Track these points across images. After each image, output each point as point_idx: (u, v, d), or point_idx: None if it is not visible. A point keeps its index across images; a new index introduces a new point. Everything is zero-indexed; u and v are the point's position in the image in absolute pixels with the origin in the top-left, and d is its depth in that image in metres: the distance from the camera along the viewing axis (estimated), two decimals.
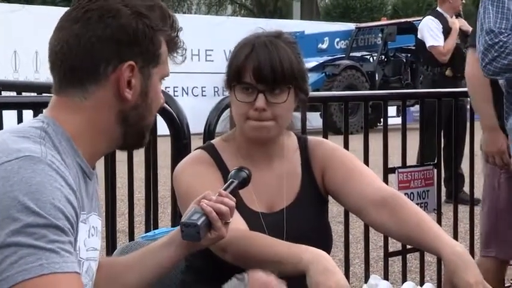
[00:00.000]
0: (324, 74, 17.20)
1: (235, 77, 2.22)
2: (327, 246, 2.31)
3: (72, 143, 1.66)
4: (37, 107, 3.29)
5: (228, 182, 2.01)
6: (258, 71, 2.17)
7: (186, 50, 1.83)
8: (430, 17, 8.37)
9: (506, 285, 4.47)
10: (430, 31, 8.17)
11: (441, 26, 8.12)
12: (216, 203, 1.87)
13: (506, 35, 3.07)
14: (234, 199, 1.93)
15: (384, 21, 20.09)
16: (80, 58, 1.67)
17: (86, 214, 1.69)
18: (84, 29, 1.67)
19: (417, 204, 4.21)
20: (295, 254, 1.97)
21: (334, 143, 2.44)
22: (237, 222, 2.08)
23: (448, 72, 8.04)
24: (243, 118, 2.22)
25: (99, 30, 1.66)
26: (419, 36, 8.57)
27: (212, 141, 2.37)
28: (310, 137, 2.42)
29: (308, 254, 1.95)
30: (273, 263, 1.99)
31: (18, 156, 1.54)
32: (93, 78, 1.68)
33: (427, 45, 8.18)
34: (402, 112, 4.53)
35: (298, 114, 2.46)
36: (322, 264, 1.91)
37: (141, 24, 1.69)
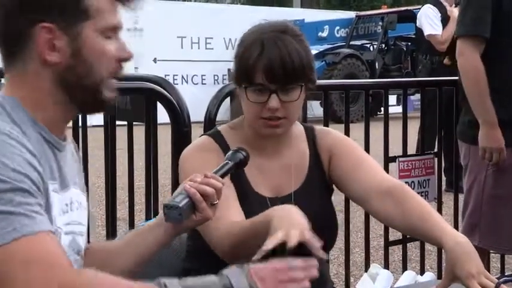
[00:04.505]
0: (324, 62, 17.16)
1: (246, 78, 2.19)
2: (333, 231, 2.33)
3: (27, 114, 1.67)
4: None
5: (223, 163, 2.00)
6: (269, 71, 2.15)
7: None
8: (428, 5, 8.36)
9: (506, 274, 4.47)
10: (428, 19, 8.15)
11: (440, 15, 8.10)
12: (201, 184, 1.86)
13: None
14: (223, 180, 1.91)
15: (384, 10, 20.02)
16: (1, 34, 1.68)
17: (56, 184, 1.69)
18: None
19: (418, 193, 4.20)
20: (266, 215, 1.94)
21: None
22: (234, 213, 2.11)
23: (446, 61, 8.00)
24: (256, 118, 2.22)
25: (6, 0, 1.66)
26: (418, 24, 8.56)
27: (219, 128, 2.37)
28: (317, 127, 2.43)
29: (277, 209, 1.93)
30: (253, 236, 1.96)
31: None
32: (19, 50, 1.68)
33: (425, 33, 8.17)
34: (403, 101, 4.51)
35: None
36: (286, 212, 1.88)
37: None
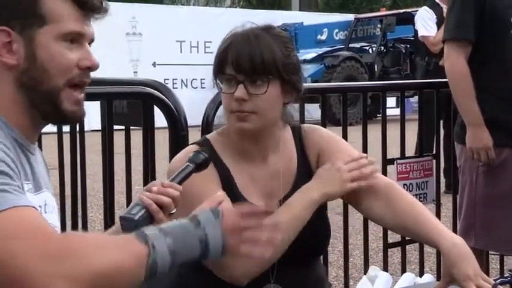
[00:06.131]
0: (323, 65, 17.16)
1: (218, 68, 2.23)
2: (325, 235, 2.31)
3: (1, 118, 1.69)
4: None
5: (184, 166, 1.98)
6: (236, 61, 2.17)
7: (108, 4, 1.76)
8: (425, 7, 8.40)
9: (505, 275, 4.46)
10: (422, 21, 8.19)
11: (435, 17, 8.11)
12: (158, 194, 1.86)
13: None
14: (180, 188, 1.90)
15: (383, 12, 20.01)
16: None
17: (31, 185, 1.70)
18: None
19: (416, 195, 4.20)
20: (307, 186, 2.20)
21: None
22: None
23: (441, 62, 8.01)
24: (227, 110, 2.23)
25: None
26: (415, 26, 8.60)
27: (207, 136, 2.36)
28: (304, 125, 2.41)
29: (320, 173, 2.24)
30: (303, 214, 2.16)
31: None
32: None
33: (418, 35, 8.23)
34: (401, 103, 4.51)
35: (297, 106, 2.45)
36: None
37: None
